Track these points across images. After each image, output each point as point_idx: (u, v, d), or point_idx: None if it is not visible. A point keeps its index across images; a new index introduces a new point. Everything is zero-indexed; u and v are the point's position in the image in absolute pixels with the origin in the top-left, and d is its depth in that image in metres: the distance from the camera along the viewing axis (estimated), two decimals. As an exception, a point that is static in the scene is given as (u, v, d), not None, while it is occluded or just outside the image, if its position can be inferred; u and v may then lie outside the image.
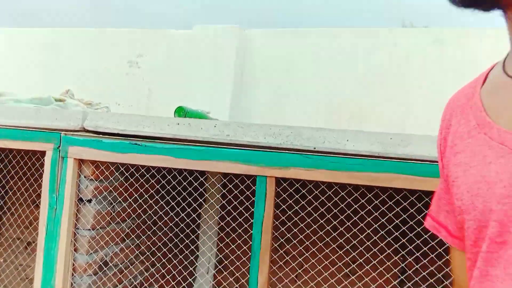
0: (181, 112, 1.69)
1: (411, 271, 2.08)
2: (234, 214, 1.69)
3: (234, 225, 1.67)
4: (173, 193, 1.64)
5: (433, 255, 1.77)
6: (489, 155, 0.51)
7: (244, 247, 2.02)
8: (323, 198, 1.48)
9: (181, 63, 2.57)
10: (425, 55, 2.26)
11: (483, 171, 0.50)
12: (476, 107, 0.56)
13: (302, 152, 1.33)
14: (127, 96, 2.58)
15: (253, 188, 1.37)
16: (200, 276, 2.46)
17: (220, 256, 2.39)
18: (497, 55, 0.61)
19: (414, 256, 2.03)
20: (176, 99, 2.46)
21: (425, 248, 1.80)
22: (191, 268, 2.33)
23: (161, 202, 1.80)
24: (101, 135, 1.43)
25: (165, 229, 1.96)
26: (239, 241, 2.05)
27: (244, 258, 2.03)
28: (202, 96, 2.50)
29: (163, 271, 2.02)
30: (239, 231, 1.78)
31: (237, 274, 2.33)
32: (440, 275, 1.74)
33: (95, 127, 1.42)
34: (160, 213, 1.88)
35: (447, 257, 1.60)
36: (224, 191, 2.05)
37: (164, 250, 1.96)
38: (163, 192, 1.85)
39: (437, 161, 1.23)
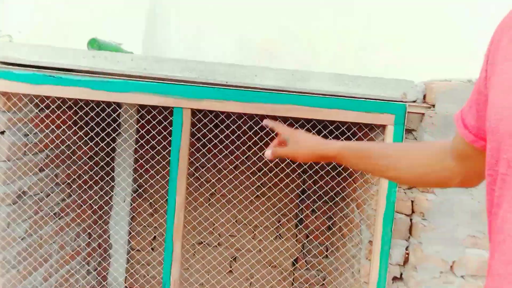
0: (94, 44, 1.68)
1: (310, 191, 2.43)
2: (153, 142, 1.80)
3: (152, 152, 1.79)
4: (92, 124, 1.69)
5: (327, 178, 2.09)
6: None
7: (163, 172, 2.16)
8: (233, 127, 1.65)
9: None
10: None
11: (510, 96, 0.50)
12: None
13: (216, 86, 1.47)
14: (30, 26, 2.42)
15: (170, 118, 1.49)
16: (115, 204, 2.57)
17: (135, 185, 2.50)
18: None
19: (312, 179, 2.35)
20: (86, 29, 2.37)
21: (322, 172, 2.11)
22: (106, 198, 2.43)
23: (80, 133, 1.84)
24: (11, 66, 1.40)
25: (82, 160, 2.01)
26: (158, 167, 2.18)
27: (163, 182, 2.19)
28: (113, 28, 2.43)
29: (78, 201, 2.10)
30: (158, 158, 1.91)
31: (150, 201, 2.50)
32: (332, 193, 2.07)
33: (5, 57, 1.39)
34: (79, 143, 1.92)
35: (339, 179, 1.92)
36: (142, 121, 2.11)
37: (81, 180, 2.02)
38: (81, 123, 1.88)
39: (332, 95, 1.45)
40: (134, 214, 2.62)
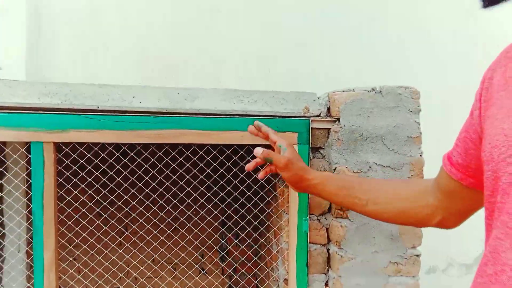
0: None
1: (231, 222, 2.19)
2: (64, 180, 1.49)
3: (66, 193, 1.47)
4: None
5: (249, 205, 1.87)
6: None
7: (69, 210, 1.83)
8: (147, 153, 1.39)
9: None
10: (235, 6, 2.26)
11: (504, 123, 0.50)
12: None
13: (85, 112, 1.21)
14: None
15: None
16: (10, 256, 2.18)
17: (26, 236, 2.14)
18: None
19: (233, 208, 2.13)
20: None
21: (242, 199, 1.89)
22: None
23: None
24: None
25: None
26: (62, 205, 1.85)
27: (69, 222, 1.85)
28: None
29: None
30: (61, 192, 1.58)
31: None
32: (256, 223, 1.86)
33: None
34: None
35: (262, 205, 1.71)
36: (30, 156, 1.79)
37: None
38: None
39: (223, 115, 1.24)
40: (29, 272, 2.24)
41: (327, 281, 1.30)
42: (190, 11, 2.21)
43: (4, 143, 1.93)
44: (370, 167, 1.22)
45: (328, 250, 1.30)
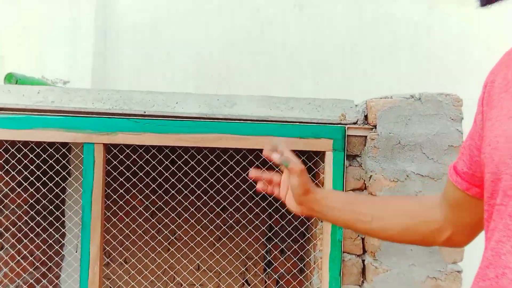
0: (11, 79, 1.54)
1: (277, 227, 2.20)
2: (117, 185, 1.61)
3: (108, 191, 1.59)
4: (32, 167, 1.51)
5: (290, 216, 1.88)
6: None
7: (120, 214, 1.95)
8: (192, 162, 1.47)
9: (34, 25, 2.34)
10: (286, 19, 2.32)
11: (504, 125, 0.49)
12: None
13: (132, 117, 1.30)
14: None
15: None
16: (68, 254, 2.35)
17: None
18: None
19: (280, 213, 2.15)
20: (29, 65, 2.26)
21: (283, 210, 1.90)
22: (56, 247, 2.21)
23: (19, 178, 1.65)
24: None
25: (19, 206, 1.81)
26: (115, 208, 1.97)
27: (120, 225, 1.98)
28: (59, 63, 2.31)
29: (25, 252, 1.88)
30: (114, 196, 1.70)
31: (107, 248, 2.27)
32: (302, 229, 1.86)
33: None
34: (18, 190, 1.73)
35: (302, 217, 1.71)
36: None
37: (14, 228, 1.82)
38: (19, 167, 1.69)
39: (260, 120, 1.28)
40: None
41: (362, 293, 1.26)
42: (245, 24, 2.30)
43: (69, 150, 2.10)
44: (407, 175, 1.19)
45: (363, 261, 1.27)
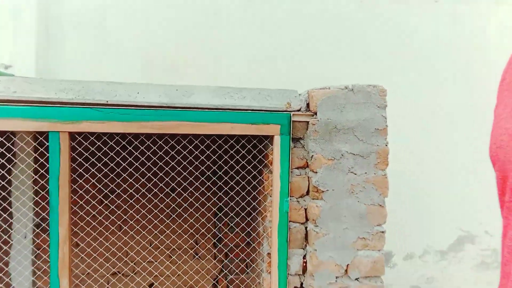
0: (-38, 68, 1.54)
1: (227, 208, 2.38)
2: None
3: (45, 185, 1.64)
4: None
5: (244, 193, 2.06)
6: None
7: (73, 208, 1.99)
8: (143, 148, 1.57)
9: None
10: (235, 8, 2.45)
11: (507, 123, 0.49)
12: None
13: (96, 106, 1.39)
14: None
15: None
16: (16, 242, 2.36)
17: (37, 220, 2.32)
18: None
19: (228, 196, 2.32)
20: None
21: (238, 188, 2.08)
22: (5, 236, 2.22)
23: None
24: None
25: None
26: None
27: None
28: (0, 47, 2.28)
29: None
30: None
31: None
32: (249, 208, 2.05)
33: None
34: None
35: (254, 193, 1.90)
36: (42, 149, 1.96)
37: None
38: None
39: (216, 109, 1.43)
40: (39, 252, 2.41)
41: (305, 255, 1.49)
42: (192, 14, 2.40)
43: (13, 137, 2.10)
44: (342, 155, 1.42)
45: (306, 228, 1.49)
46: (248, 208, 2.11)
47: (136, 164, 1.75)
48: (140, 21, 2.41)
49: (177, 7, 2.43)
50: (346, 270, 1.44)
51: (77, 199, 2.05)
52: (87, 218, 2.15)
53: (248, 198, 2.08)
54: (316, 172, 1.43)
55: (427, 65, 2.55)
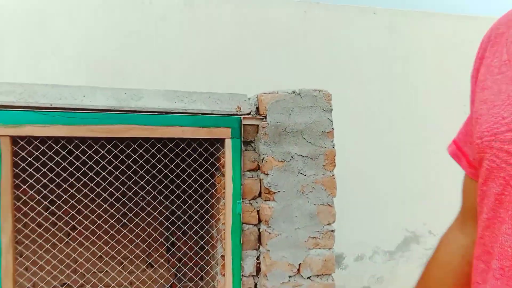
0: None
1: (180, 211, 2.36)
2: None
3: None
4: None
5: (196, 196, 2.05)
6: None
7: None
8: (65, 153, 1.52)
9: None
10: (180, 16, 2.44)
11: (505, 112, 0.46)
12: (511, 40, 0.50)
13: (39, 109, 1.34)
14: None
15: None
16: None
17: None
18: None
19: (181, 199, 2.30)
20: None
21: (190, 191, 2.07)
22: None
23: None
24: None
25: None
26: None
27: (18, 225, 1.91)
28: None
29: None
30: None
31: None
32: (202, 211, 2.04)
33: None
34: None
35: (207, 196, 1.90)
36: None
37: None
38: None
39: (166, 112, 1.42)
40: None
41: (258, 256, 1.51)
42: (137, 18, 2.36)
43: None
44: (292, 157, 1.46)
45: (259, 229, 1.52)
46: (201, 211, 2.11)
47: (84, 169, 1.70)
48: (82, 25, 2.34)
49: (120, 11, 2.39)
50: (298, 269, 1.48)
51: (21, 205, 1.96)
52: (32, 225, 2.06)
53: (201, 201, 2.08)
54: (268, 174, 1.46)
55: (367, 72, 2.67)
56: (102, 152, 1.55)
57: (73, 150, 1.51)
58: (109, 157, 1.56)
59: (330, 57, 2.57)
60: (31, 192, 1.78)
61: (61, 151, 1.49)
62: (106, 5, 2.35)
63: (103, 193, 2.16)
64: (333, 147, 1.48)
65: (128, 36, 2.36)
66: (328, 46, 2.58)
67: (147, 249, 2.42)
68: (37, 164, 1.54)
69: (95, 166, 1.68)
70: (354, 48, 2.63)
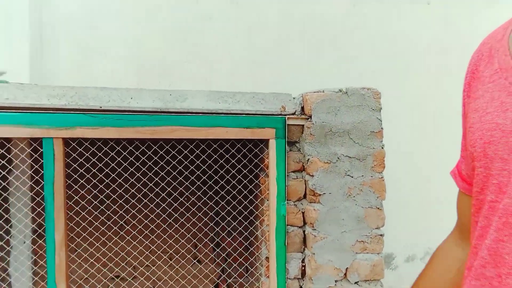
0: (-45, 75, 1.53)
1: (224, 212, 2.37)
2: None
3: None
4: None
5: (240, 197, 2.05)
6: (508, 102, 0.46)
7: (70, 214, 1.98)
8: (111, 154, 1.56)
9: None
10: (226, 15, 2.45)
11: (499, 118, 0.46)
12: (502, 50, 0.51)
13: (88, 112, 1.38)
14: None
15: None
16: (14, 248, 2.35)
17: (34, 225, 2.30)
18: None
19: (225, 200, 2.31)
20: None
21: (234, 192, 2.07)
22: (1, 243, 2.21)
23: None
24: None
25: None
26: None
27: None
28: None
29: None
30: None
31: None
32: (246, 212, 2.04)
33: None
34: None
35: (251, 197, 1.89)
36: (36, 155, 1.95)
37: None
38: None
39: (210, 113, 1.42)
40: (36, 258, 2.40)
41: (303, 259, 1.48)
42: (184, 19, 2.39)
43: (7, 144, 2.09)
44: (338, 158, 1.41)
45: (304, 231, 1.48)
46: (245, 212, 2.10)
47: (131, 170, 1.74)
48: (132, 26, 2.40)
49: (168, 12, 2.43)
50: (345, 274, 1.43)
51: (73, 205, 2.04)
52: (83, 224, 2.14)
53: (245, 202, 2.07)
54: (313, 176, 1.42)
55: (420, 67, 2.55)
56: (149, 153, 1.58)
57: (121, 151, 1.54)
58: (155, 158, 1.58)
59: (379, 53, 2.48)
60: (82, 192, 1.85)
61: (110, 152, 1.53)
62: (154, 5, 2.40)
63: (149, 193, 2.21)
64: (382, 148, 1.42)
65: (175, 36, 2.39)
66: (377, 41, 2.48)
67: (192, 248, 2.45)
68: (87, 165, 1.59)
69: (141, 167, 1.71)
70: (406, 42, 2.52)
